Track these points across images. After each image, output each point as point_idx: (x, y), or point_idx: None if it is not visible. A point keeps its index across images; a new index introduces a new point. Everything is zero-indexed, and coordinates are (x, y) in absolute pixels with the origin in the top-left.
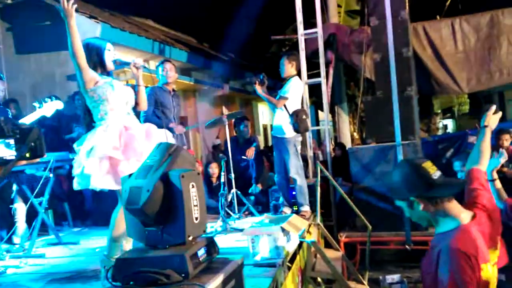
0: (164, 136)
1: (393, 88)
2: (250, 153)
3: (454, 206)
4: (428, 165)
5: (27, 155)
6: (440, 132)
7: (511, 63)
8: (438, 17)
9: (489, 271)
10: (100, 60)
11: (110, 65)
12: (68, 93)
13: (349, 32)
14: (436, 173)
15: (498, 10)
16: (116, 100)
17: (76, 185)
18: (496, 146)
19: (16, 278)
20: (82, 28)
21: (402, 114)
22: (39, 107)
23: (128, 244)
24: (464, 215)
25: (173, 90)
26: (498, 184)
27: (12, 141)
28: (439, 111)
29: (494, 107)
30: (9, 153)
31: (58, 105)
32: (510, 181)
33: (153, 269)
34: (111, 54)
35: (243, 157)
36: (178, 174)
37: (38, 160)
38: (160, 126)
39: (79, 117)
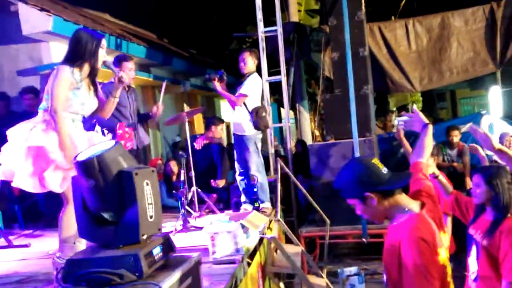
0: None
1: (350, 86)
2: (199, 143)
3: (404, 197)
4: (377, 162)
5: None
6: (395, 129)
7: (461, 63)
8: (393, 17)
9: (443, 255)
10: (92, 55)
11: (99, 64)
12: (18, 89)
13: (309, 30)
14: (384, 169)
15: (449, 12)
16: (71, 109)
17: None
18: (446, 142)
19: None
20: (32, 21)
21: (359, 111)
22: None
23: (81, 245)
24: (414, 205)
25: (129, 87)
26: (442, 179)
27: None
28: (395, 108)
29: (414, 107)
30: None
31: None
32: (460, 175)
33: (105, 269)
34: (103, 53)
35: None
36: (131, 172)
37: None
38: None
39: (30, 115)
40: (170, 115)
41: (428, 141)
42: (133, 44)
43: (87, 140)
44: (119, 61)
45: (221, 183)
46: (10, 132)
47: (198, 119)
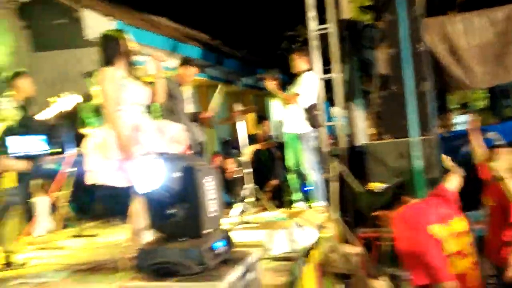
0: (178, 129)
1: (407, 83)
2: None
3: None
4: None
5: (58, 149)
6: (457, 128)
7: None
8: (451, 12)
9: None
10: (123, 51)
11: (132, 56)
12: (82, 90)
13: (361, 27)
14: None
15: None
16: (125, 101)
17: (87, 179)
18: None
19: (40, 269)
20: (98, 26)
21: (417, 109)
22: (56, 103)
23: (147, 235)
24: None
25: (180, 85)
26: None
27: (42, 137)
28: (456, 106)
29: None
30: (39, 148)
31: (77, 99)
32: None
33: (175, 260)
34: (131, 45)
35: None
36: (194, 168)
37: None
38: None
39: None
40: (223, 114)
41: None
42: (188, 46)
43: (157, 129)
44: (186, 62)
45: (274, 183)
46: (86, 142)
47: (251, 118)
